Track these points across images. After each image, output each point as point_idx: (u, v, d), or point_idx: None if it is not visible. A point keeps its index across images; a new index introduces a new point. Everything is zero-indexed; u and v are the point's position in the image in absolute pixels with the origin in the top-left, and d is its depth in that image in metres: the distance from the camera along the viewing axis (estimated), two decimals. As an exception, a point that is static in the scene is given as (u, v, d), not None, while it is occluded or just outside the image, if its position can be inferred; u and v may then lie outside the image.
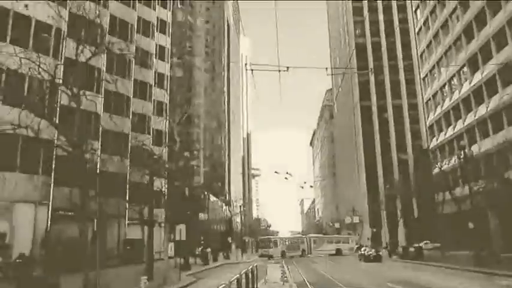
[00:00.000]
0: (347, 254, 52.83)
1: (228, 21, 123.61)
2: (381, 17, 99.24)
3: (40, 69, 14.71)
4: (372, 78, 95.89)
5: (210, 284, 19.87)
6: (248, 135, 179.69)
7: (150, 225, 21.43)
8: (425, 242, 51.38)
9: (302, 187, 58.61)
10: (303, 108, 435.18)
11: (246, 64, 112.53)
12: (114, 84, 32.82)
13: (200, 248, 40.88)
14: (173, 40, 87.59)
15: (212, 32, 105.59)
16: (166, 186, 20.97)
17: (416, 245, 40.52)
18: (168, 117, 45.94)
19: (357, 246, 58.68)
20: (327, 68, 71.67)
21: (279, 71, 17.84)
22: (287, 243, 54.07)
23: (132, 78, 40.52)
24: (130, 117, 39.22)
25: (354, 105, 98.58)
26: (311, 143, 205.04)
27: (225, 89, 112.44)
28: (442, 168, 36.58)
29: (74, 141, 14.55)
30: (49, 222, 26.22)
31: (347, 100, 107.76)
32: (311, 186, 62.38)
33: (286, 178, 43.97)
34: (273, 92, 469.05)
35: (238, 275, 12.63)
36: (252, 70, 17.14)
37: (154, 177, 23.69)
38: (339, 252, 53.21)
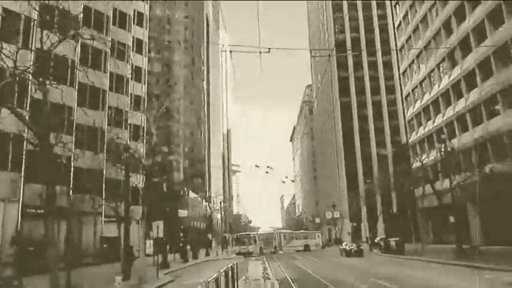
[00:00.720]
0: (314, 249, 53.32)
1: (207, 16, 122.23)
2: (360, 13, 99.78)
3: (2, 55, 13.70)
4: (352, 72, 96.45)
5: (188, 283, 19.19)
6: (228, 131, 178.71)
7: (126, 222, 20.58)
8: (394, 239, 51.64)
9: (283, 181, 56.85)
10: (285, 98, 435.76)
11: (223, 46, 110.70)
12: (87, 76, 31.68)
13: (181, 245, 40.12)
14: (151, 34, 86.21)
15: (191, 26, 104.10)
16: (143, 181, 20.06)
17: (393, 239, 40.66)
18: (145, 112, 44.80)
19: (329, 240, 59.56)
20: (311, 51, 70.68)
21: (260, 52, 17.06)
22: (264, 239, 53.31)
23: (108, 71, 39.31)
24: (106, 111, 38.06)
25: (334, 101, 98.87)
26: (291, 139, 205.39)
27: (205, 84, 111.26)
28: (422, 162, 36.45)
29: (39, 132, 13.60)
30: (19, 221, 25.04)
31: (327, 96, 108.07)
32: (292, 181, 61.52)
33: (267, 172, 44.44)
34: (253, 81, 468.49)
35: (217, 273, 12.00)
36: (230, 52, 16.31)
37: (130, 173, 22.83)
38: (307, 248, 53.28)
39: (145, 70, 50.99)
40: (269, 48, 15.86)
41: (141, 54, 50.81)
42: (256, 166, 60.74)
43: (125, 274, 20.02)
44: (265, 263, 20.04)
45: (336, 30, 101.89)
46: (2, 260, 23.38)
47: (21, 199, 25.03)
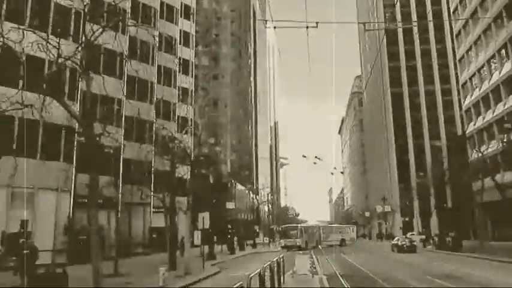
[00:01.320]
0: (349, 243, 53.68)
1: (254, 8, 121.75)
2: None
3: (49, 45, 13.78)
4: (404, 63, 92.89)
5: (234, 275, 18.86)
6: (275, 123, 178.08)
7: (172, 212, 20.53)
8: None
9: (332, 173, 54.30)
10: (333, 90, 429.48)
11: (266, 21, 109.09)
12: (137, 69, 32.06)
13: (228, 237, 40.20)
14: (199, 28, 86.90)
15: (238, 19, 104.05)
16: (189, 172, 19.93)
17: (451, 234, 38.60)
18: (192, 103, 45.03)
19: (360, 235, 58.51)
20: (364, 24, 68.04)
21: (307, 27, 16.16)
22: (309, 232, 49.96)
23: (156, 64, 39.71)
24: (154, 103, 38.47)
25: (384, 91, 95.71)
26: (340, 131, 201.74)
27: (252, 78, 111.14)
28: (483, 153, 33.98)
29: (83, 122, 13.59)
30: (71, 210, 25.73)
31: (377, 87, 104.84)
32: (341, 172, 59.78)
33: (315, 163, 42.98)
34: (301, 73, 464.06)
35: (262, 267, 11.45)
36: (275, 27, 15.62)
37: (177, 164, 22.79)
38: (343, 242, 52.72)
39: (192, 63, 51.23)
40: (317, 22, 14.96)
41: (189, 47, 51.07)
42: (304, 156, 59.03)
43: (171, 264, 20.01)
44: (312, 257, 19.32)
45: (387, 17, 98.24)
46: (56, 247, 24.12)
47: (72, 189, 25.66)
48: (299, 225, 52.67)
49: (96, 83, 23.54)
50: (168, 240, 20.59)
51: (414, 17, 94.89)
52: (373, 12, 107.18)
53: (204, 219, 20.29)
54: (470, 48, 48.24)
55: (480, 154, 33.67)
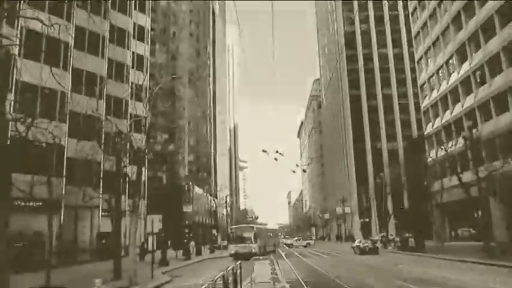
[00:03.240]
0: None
1: (213, 8, 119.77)
2: (370, 3, 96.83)
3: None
4: (362, 66, 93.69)
5: (186, 285, 16.94)
6: (235, 126, 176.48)
7: (117, 216, 18.35)
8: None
9: (294, 171, 51.31)
10: (292, 94, 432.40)
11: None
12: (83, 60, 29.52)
13: (184, 241, 38.00)
14: (157, 26, 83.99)
15: (197, 18, 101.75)
16: (134, 170, 17.80)
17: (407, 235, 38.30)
18: (146, 102, 42.49)
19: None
20: (319, 43, 67.73)
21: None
22: (265, 235, 43.27)
23: (106, 58, 37.03)
24: (104, 99, 35.76)
25: (343, 94, 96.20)
26: (298, 134, 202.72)
27: (211, 78, 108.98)
28: (447, 150, 33.46)
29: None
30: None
31: (335, 90, 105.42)
32: (304, 171, 58.34)
33: (275, 159, 38.73)
34: (260, 76, 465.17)
35: (217, 276, 9.78)
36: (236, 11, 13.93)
37: (124, 163, 20.60)
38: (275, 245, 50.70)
39: (147, 58, 48.67)
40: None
41: (143, 42, 48.49)
42: (264, 151, 55.47)
43: (116, 273, 17.84)
44: (273, 263, 17.69)
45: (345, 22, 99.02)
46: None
47: None
48: (254, 225, 41.19)
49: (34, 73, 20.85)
50: (112, 247, 18.36)
51: (372, 20, 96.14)
52: (332, 14, 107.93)
53: (154, 222, 18.25)
54: (429, 49, 48.49)
55: (445, 151, 33.00)
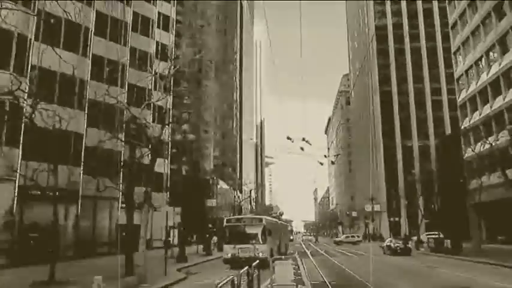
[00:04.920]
0: None
1: (241, 2, 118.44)
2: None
3: None
4: (393, 61, 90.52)
5: (199, 284, 15.57)
6: (262, 122, 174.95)
7: (130, 207, 17.13)
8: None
9: (321, 163, 47.07)
10: (321, 89, 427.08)
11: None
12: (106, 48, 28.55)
13: (207, 236, 36.80)
14: (183, 18, 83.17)
15: (224, 12, 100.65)
16: (149, 157, 16.48)
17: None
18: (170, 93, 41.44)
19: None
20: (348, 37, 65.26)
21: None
22: (283, 229, 35.29)
23: (129, 46, 36.07)
24: (126, 88, 34.78)
25: (373, 90, 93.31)
26: (326, 131, 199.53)
27: (237, 72, 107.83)
28: (491, 144, 30.77)
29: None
30: (15, 203, 22.04)
31: (364, 85, 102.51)
32: (333, 162, 54.74)
33: (302, 148, 33.61)
34: (289, 72, 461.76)
35: (232, 276, 8.35)
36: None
37: (141, 150, 19.36)
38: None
39: (172, 48, 47.60)
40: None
41: (168, 31, 47.47)
42: (289, 138, 49.56)
43: (128, 269, 16.62)
44: (296, 262, 16.06)
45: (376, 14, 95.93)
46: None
47: (18, 178, 21.88)
48: (263, 217, 27.09)
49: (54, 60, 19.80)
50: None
51: (405, 13, 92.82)
52: (363, 7, 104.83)
53: (169, 214, 16.91)
54: (467, 39, 45.65)
55: (489, 145, 30.29)
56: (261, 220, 24.71)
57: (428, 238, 37.15)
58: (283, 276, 12.38)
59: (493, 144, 30.25)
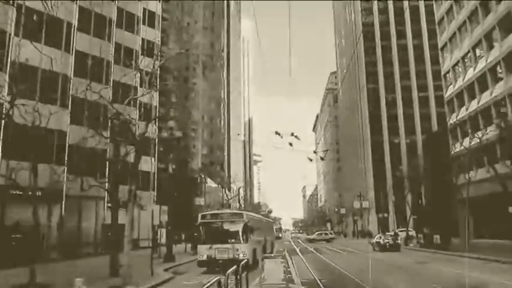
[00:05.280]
0: None
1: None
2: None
3: None
4: (380, 58, 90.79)
5: (186, 284, 15.13)
6: (250, 120, 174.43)
7: (114, 206, 16.61)
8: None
9: (311, 159, 45.88)
10: (309, 87, 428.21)
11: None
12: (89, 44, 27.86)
13: (195, 234, 36.29)
14: (169, 15, 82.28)
15: (211, 9, 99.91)
16: (134, 155, 15.90)
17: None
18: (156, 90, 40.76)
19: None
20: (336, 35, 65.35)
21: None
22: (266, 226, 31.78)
23: (113, 41, 35.35)
24: (111, 84, 34.04)
25: (360, 87, 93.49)
26: (314, 129, 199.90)
27: (225, 70, 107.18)
28: (480, 139, 30.72)
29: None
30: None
31: (352, 82, 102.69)
32: (322, 158, 53.53)
33: (290, 144, 32.47)
34: (276, 71, 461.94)
35: (220, 276, 7.94)
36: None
37: (125, 148, 18.85)
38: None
39: (157, 44, 46.90)
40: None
41: (154, 28, 46.75)
42: (277, 133, 46.81)
43: (112, 270, 16.12)
44: (286, 260, 15.71)
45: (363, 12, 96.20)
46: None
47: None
48: (244, 212, 24.39)
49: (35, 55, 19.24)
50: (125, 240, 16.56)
51: (391, 10, 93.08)
52: (350, 5, 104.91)
53: (154, 212, 16.43)
54: (454, 35, 45.71)
55: (478, 140, 30.21)
56: (241, 215, 21.40)
57: (417, 234, 37.09)
58: (273, 274, 12.02)
59: (482, 138, 30.11)
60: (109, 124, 18.30)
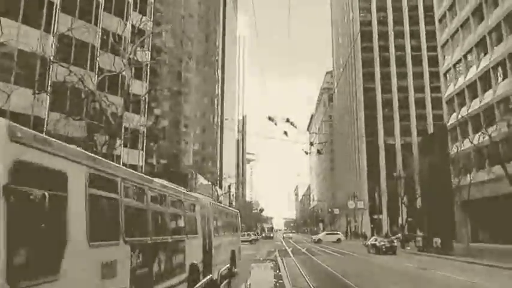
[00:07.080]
0: None
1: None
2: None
3: None
4: (377, 57, 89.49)
5: None
6: (244, 117, 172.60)
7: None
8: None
9: (307, 152, 43.21)
10: (304, 86, 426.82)
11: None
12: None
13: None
14: (163, 7, 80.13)
15: (206, 2, 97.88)
16: (108, 144, 14.10)
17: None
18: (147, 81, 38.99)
19: None
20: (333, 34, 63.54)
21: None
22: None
23: (100, 26, 33.40)
24: (96, 72, 32.07)
25: (357, 87, 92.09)
26: (308, 128, 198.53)
27: (219, 65, 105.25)
28: (490, 136, 28.99)
29: None
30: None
31: (348, 82, 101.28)
32: (319, 152, 50.68)
33: (285, 133, 29.85)
34: (271, 69, 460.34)
35: (206, 278, 6.23)
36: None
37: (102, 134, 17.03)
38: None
39: (150, 33, 44.92)
40: None
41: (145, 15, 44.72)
42: (270, 119, 41.97)
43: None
44: (277, 264, 13.97)
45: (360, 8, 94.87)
46: None
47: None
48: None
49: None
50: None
51: (390, 9, 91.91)
52: (348, 3, 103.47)
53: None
54: (456, 32, 44.26)
55: (488, 137, 28.37)
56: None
57: (415, 237, 35.54)
58: (261, 279, 10.30)
59: (492, 136, 28.33)
60: (84, 108, 16.48)
